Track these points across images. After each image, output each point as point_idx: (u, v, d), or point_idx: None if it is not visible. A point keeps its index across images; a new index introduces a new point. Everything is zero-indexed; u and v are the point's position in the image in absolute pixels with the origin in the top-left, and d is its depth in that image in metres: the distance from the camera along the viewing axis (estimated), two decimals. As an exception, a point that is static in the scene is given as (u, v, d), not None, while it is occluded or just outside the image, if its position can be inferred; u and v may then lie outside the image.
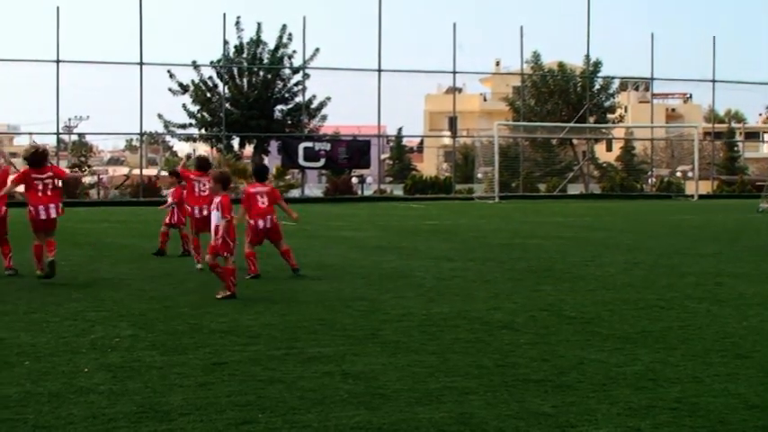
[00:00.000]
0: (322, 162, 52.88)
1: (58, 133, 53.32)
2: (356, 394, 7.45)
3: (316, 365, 8.52)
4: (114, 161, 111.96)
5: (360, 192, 56.59)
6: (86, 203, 46.48)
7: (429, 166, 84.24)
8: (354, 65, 56.00)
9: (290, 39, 54.80)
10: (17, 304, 12.26)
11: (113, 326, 10.61)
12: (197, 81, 53.92)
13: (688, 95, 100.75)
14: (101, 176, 60.08)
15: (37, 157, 15.28)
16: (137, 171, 57.11)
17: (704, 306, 12.21)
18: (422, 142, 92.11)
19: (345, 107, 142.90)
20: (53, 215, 15.23)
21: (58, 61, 48.94)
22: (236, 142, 56.50)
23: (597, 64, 60.37)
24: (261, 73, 54.69)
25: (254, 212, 15.24)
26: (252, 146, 56.85)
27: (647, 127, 67.33)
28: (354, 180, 57.89)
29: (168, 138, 66.20)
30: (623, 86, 73.26)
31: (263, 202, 15.29)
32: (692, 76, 73.78)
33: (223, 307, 12.02)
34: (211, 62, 53.99)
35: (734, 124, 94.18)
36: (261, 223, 15.22)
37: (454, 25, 55.92)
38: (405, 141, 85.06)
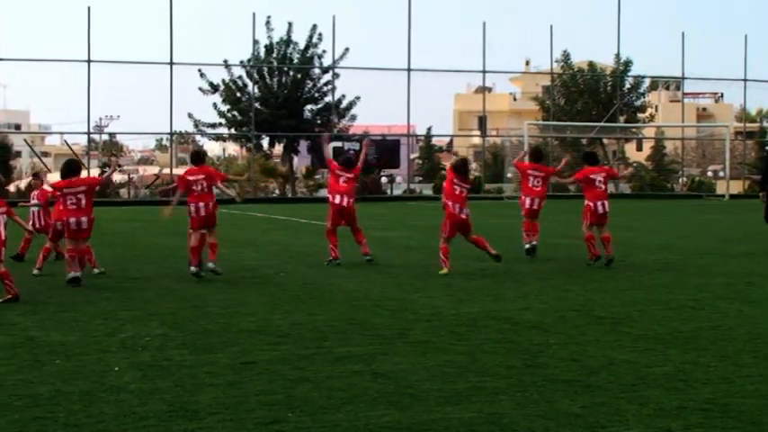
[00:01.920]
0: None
1: (89, 133, 53.53)
2: (385, 394, 7.45)
3: (345, 365, 8.53)
4: (144, 160, 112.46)
5: (389, 191, 56.54)
6: (117, 203, 46.71)
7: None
8: (384, 64, 56.01)
9: (319, 38, 54.84)
10: (48, 303, 12.34)
11: (143, 325, 10.66)
12: (227, 80, 54.07)
13: (719, 95, 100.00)
14: (131, 176, 60.33)
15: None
16: (167, 170, 57.29)
17: (735, 307, 12.14)
18: (451, 142, 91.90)
19: (375, 107, 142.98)
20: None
21: (89, 61, 49.15)
22: (265, 142, 56.61)
23: (627, 63, 60.00)
24: (291, 73, 54.76)
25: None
26: (281, 145, 56.95)
27: (678, 126, 66.91)
28: (384, 180, 57.85)
29: (198, 137, 66.41)
30: (654, 86, 72.82)
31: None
32: (724, 75, 73.20)
33: (252, 306, 12.05)
34: (241, 62, 54.12)
35: (765, 123, 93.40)
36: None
37: (484, 24, 55.78)
38: (434, 141, 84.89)
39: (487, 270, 16.11)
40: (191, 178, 15.31)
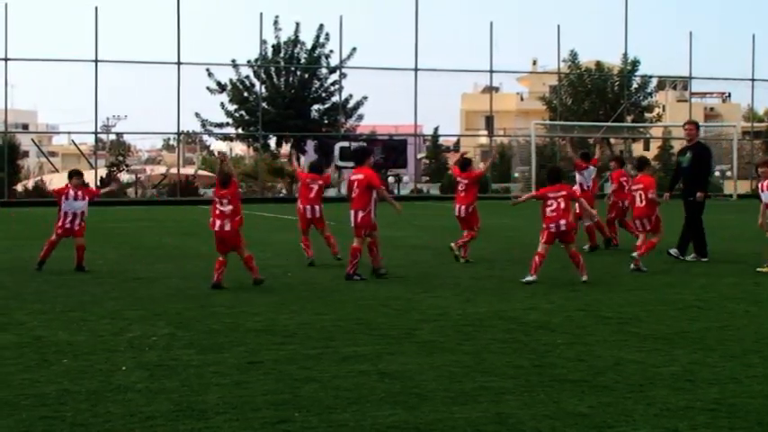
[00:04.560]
0: (358, 161, 52.72)
1: (96, 133, 53.71)
2: (392, 393, 7.45)
3: (351, 365, 8.52)
4: (152, 160, 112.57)
5: (396, 191, 56.53)
6: (124, 203, 46.76)
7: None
8: (391, 64, 56.04)
9: (327, 38, 54.95)
10: (55, 303, 12.35)
11: (150, 324, 10.67)
12: (234, 80, 54.14)
13: (727, 94, 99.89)
14: (138, 176, 60.41)
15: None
16: (174, 170, 57.38)
17: (742, 307, 12.11)
18: (458, 141, 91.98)
19: (382, 106, 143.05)
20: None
21: (96, 61, 49.26)
22: (272, 141, 56.69)
23: (635, 63, 60.00)
24: (298, 72, 54.83)
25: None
26: (288, 145, 57.01)
27: (685, 126, 66.71)
28: (391, 179, 57.83)
29: (205, 137, 66.53)
30: (661, 85, 72.78)
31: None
32: (731, 74, 73.08)
33: (259, 306, 12.05)
34: (249, 61, 54.18)
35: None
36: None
37: (491, 24, 55.83)
38: (441, 141, 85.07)
39: (494, 270, 16.10)
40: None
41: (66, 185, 16.65)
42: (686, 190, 18.32)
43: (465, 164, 18.37)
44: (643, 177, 16.87)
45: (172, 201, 48.15)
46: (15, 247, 20.79)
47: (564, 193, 14.97)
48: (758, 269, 15.77)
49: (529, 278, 14.42)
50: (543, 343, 9.59)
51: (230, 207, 14.18)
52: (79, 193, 16.49)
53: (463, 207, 17.79)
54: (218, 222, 14.20)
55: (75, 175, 17.09)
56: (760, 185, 16.68)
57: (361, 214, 15.17)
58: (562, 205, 14.77)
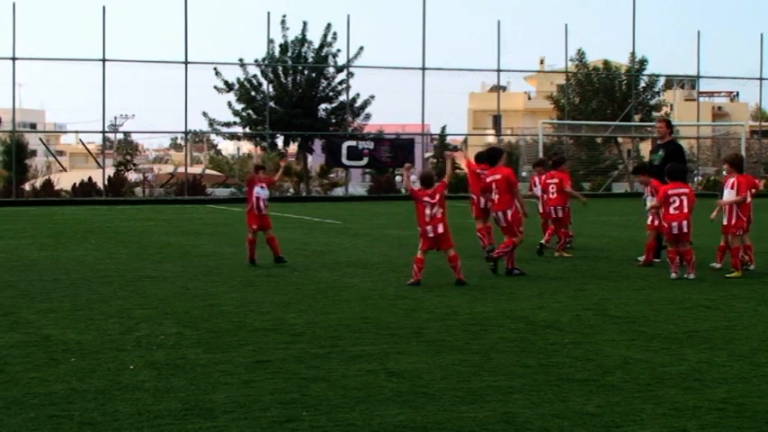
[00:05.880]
0: (365, 161, 52.77)
1: (104, 132, 53.66)
2: (400, 393, 7.45)
3: (359, 364, 8.53)
4: (159, 159, 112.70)
5: (403, 190, 56.49)
6: (132, 201, 46.76)
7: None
8: (398, 63, 56.10)
9: (334, 37, 54.86)
10: (63, 302, 12.37)
11: (158, 323, 10.68)
12: (242, 79, 54.13)
13: (735, 93, 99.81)
14: (146, 174, 60.44)
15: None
16: (182, 169, 57.40)
17: (751, 306, 12.10)
18: (466, 141, 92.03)
19: (389, 106, 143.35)
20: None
21: (104, 60, 49.27)
22: (280, 141, 56.62)
23: (643, 62, 59.83)
24: (305, 71, 54.78)
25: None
26: (296, 144, 56.97)
27: (693, 125, 66.74)
28: (398, 179, 57.80)
29: (213, 136, 66.46)
30: (669, 84, 72.67)
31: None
32: (739, 73, 73.03)
33: (267, 305, 12.06)
34: (256, 60, 54.16)
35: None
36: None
37: (498, 23, 55.71)
38: (448, 140, 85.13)
39: (501, 269, 16.08)
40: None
41: (255, 177, 17.47)
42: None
43: (559, 162, 19.54)
44: (739, 177, 16.64)
45: (179, 200, 48.11)
46: (21, 247, 20.81)
47: (686, 190, 15.07)
48: (726, 275, 15.24)
49: (691, 276, 14.76)
50: (551, 342, 9.58)
51: (441, 210, 14.51)
52: (264, 184, 17.41)
53: (553, 208, 18.74)
54: (429, 228, 14.50)
55: (261, 168, 18.45)
56: (727, 181, 16.42)
57: (509, 213, 15.63)
58: (685, 204, 14.85)
